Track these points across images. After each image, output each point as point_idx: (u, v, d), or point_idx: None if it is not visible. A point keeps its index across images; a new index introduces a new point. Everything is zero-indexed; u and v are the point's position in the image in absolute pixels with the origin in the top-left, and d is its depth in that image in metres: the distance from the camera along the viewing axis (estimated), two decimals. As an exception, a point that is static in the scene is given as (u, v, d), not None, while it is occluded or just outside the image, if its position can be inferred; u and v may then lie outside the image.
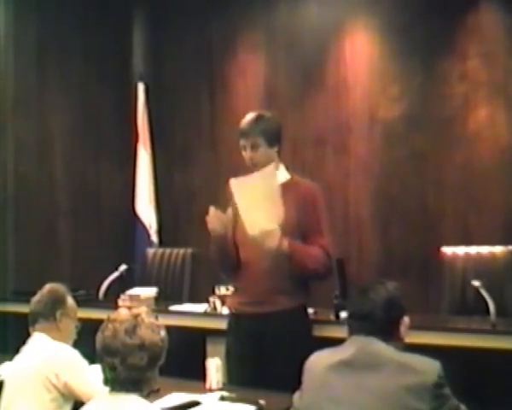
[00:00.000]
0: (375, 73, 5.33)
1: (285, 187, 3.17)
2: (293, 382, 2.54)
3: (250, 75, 5.82)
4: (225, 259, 3.23)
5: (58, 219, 5.59)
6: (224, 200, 3.27)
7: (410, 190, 5.15)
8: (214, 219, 3.09)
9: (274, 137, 3.21)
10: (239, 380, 3.01)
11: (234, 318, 3.28)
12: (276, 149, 3.23)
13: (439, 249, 4.16)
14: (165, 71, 6.18)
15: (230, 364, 3.05)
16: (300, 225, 3.11)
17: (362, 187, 5.33)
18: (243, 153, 3.20)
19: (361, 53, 5.38)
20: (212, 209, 3.09)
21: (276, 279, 3.08)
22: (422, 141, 5.10)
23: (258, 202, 3.00)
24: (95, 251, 5.69)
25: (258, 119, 3.20)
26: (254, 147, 3.16)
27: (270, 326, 3.07)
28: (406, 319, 2.24)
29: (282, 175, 3.25)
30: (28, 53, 5.43)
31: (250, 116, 3.22)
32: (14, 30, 5.30)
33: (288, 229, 3.02)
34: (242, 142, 3.19)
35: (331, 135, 5.45)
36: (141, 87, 5.98)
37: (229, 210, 3.17)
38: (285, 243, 3.00)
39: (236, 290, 3.30)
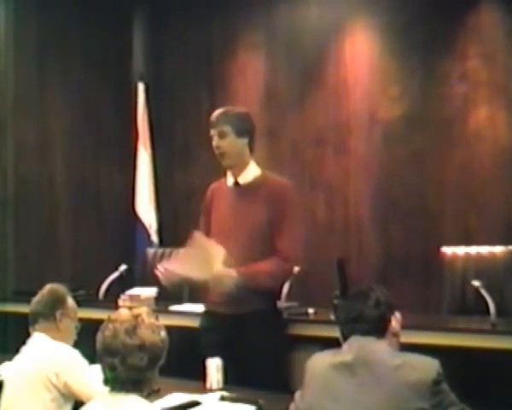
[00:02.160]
0: (375, 73, 5.32)
1: (254, 184, 3.20)
2: (268, 382, 2.67)
3: (250, 75, 5.82)
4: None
5: (58, 219, 5.59)
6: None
7: (410, 190, 5.15)
8: (170, 276, 3.12)
9: (242, 127, 3.20)
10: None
11: (206, 316, 3.30)
12: (245, 140, 3.22)
13: (439, 249, 4.16)
14: (165, 71, 6.18)
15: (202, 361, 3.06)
16: (269, 224, 3.11)
17: (362, 187, 5.33)
18: (213, 143, 3.21)
19: (361, 53, 5.38)
20: (165, 267, 3.13)
21: None
22: (422, 141, 5.09)
23: (197, 259, 3.04)
24: (95, 251, 5.69)
25: (226, 110, 3.25)
26: (221, 135, 3.18)
27: (243, 328, 3.08)
28: (397, 314, 2.28)
29: (252, 171, 3.24)
30: (28, 53, 5.43)
31: (220, 109, 3.27)
32: (14, 30, 5.30)
33: (256, 228, 3.07)
34: (212, 132, 3.21)
35: (331, 135, 5.45)
36: (141, 87, 5.98)
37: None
38: (235, 276, 3.01)
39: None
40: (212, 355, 3.00)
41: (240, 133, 3.19)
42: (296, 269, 3.77)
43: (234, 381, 2.96)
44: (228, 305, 3.10)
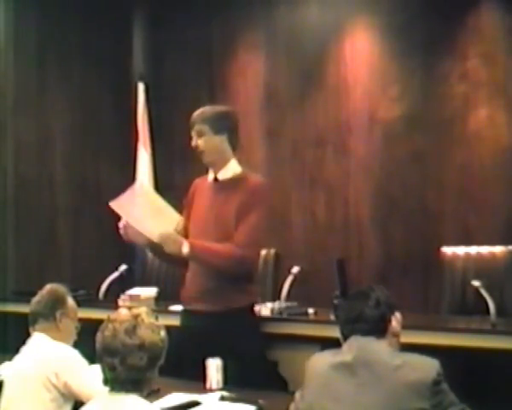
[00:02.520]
0: (375, 73, 5.32)
1: (232, 181, 3.26)
2: (246, 380, 2.73)
3: (250, 75, 5.82)
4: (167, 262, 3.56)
5: (58, 219, 5.58)
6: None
7: (410, 190, 5.15)
8: (131, 234, 3.24)
9: (219, 124, 3.25)
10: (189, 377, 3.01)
11: (185, 315, 3.33)
12: (223, 136, 3.26)
13: (439, 249, 4.16)
14: (165, 71, 6.17)
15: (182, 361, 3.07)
16: (236, 218, 3.18)
17: (362, 187, 5.33)
18: (192, 143, 3.31)
19: (361, 53, 5.38)
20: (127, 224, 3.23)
21: (217, 277, 3.15)
22: (422, 141, 5.10)
23: (148, 213, 3.16)
24: (95, 251, 5.68)
25: (204, 110, 3.33)
26: (199, 135, 3.26)
27: (219, 326, 3.10)
28: (398, 315, 2.28)
29: (232, 169, 3.29)
30: (28, 53, 5.43)
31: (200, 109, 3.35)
32: (14, 30, 5.30)
33: (227, 223, 3.16)
34: (192, 133, 3.30)
35: (331, 135, 5.45)
36: (141, 87, 5.97)
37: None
38: (186, 246, 3.08)
39: (185, 281, 3.36)
40: (191, 354, 3.04)
41: (217, 130, 3.25)
42: (296, 269, 3.80)
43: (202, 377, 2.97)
44: (204, 302, 3.16)
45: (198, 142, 3.26)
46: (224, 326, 3.10)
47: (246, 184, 3.23)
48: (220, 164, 3.27)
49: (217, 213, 3.22)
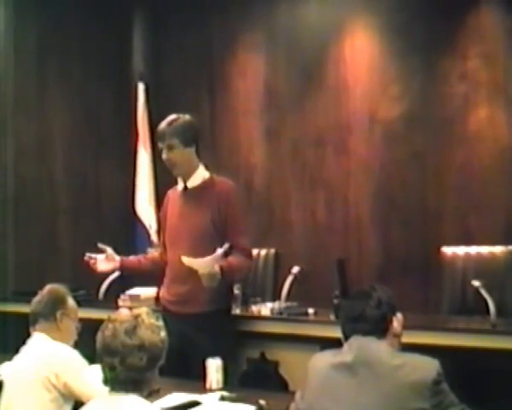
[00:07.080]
0: (375, 73, 5.32)
1: (201, 187, 3.36)
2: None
3: (250, 75, 5.82)
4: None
5: (58, 219, 5.58)
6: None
7: (410, 190, 5.15)
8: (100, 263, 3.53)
9: (189, 137, 3.33)
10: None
11: (163, 315, 3.37)
12: (193, 148, 3.36)
13: (439, 249, 4.16)
14: (165, 71, 6.17)
15: None
16: (215, 224, 3.27)
17: (362, 187, 5.33)
18: (162, 156, 3.36)
19: (361, 53, 5.38)
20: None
21: (198, 281, 3.19)
22: (422, 141, 5.10)
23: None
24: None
25: (172, 121, 3.36)
26: (170, 148, 3.32)
27: (193, 327, 3.19)
28: (399, 315, 2.29)
29: (200, 175, 3.39)
30: (28, 53, 5.43)
31: (166, 119, 3.38)
32: (14, 30, 5.30)
33: (199, 228, 3.26)
34: (160, 145, 3.36)
35: (331, 135, 5.45)
36: (141, 87, 5.96)
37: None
38: (218, 272, 3.17)
39: (163, 286, 3.46)
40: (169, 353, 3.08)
41: (187, 143, 3.33)
42: (296, 269, 3.81)
43: (185, 378, 3.02)
44: (181, 305, 3.27)
45: (170, 155, 3.33)
46: (200, 328, 3.19)
47: (216, 189, 3.33)
48: (189, 173, 3.38)
49: (189, 221, 3.32)
